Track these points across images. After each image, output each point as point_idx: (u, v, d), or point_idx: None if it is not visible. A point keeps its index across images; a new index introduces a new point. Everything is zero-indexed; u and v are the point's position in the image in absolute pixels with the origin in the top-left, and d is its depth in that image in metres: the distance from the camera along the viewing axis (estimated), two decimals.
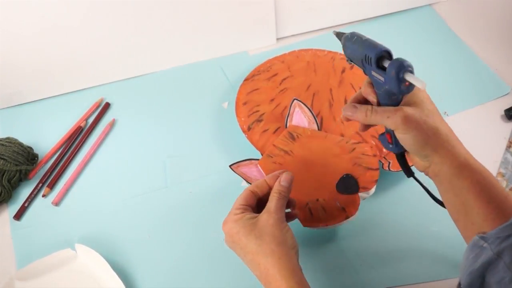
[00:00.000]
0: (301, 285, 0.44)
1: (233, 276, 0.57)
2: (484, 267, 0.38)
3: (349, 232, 0.60)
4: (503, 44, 0.82)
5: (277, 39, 0.84)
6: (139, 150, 0.70)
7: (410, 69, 0.44)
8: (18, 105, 0.75)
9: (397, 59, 0.44)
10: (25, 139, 0.68)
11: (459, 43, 0.83)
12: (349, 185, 0.58)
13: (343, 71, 0.73)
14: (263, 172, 0.61)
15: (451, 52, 0.81)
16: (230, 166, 0.62)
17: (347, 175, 0.59)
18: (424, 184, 0.50)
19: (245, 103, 0.71)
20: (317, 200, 0.58)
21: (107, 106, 0.75)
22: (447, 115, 0.72)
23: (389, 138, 0.48)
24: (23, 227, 0.62)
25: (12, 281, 0.56)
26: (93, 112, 0.74)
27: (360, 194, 0.58)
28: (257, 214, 0.49)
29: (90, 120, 0.73)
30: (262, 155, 0.65)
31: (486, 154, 0.68)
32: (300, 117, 0.64)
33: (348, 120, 0.50)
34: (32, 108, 0.75)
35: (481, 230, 0.41)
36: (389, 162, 0.62)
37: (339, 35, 0.51)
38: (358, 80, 0.72)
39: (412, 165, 0.49)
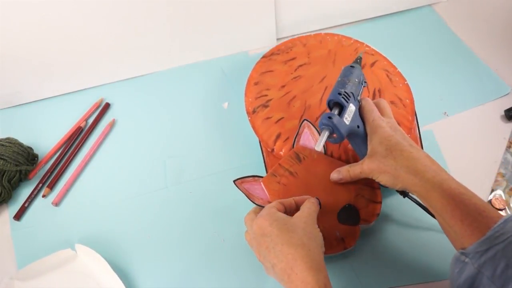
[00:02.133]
0: (327, 279, 0.45)
1: (233, 276, 0.57)
2: (470, 282, 0.41)
3: None
4: (503, 44, 0.82)
5: (277, 39, 0.84)
6: (139, 150, 0.70)
7: (323, 126, 0.52)
8: (18, 105, 0.75)
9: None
10: (25, 139, 0.68)
11: (459, 43, 0.83)
12: (351, 216, 0.57)
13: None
14: (266, 191, 0.60)
15: (451, 52, 0.81)
16: (234, 181, 0.60)
17: (349, 205, 0.57)
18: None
19: (256, 83, 0.69)
20: (317, 227, 0.56)
21: (107, 106, 0.75)
22: (447, 115, 0.72)
23: None
24: (23, 227, 0.62)
25: (12, 281, 0.56)
26: (93, 112, 0.74)
27: (360, 225, 0.57)
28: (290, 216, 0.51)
29: (90, 121, 0.73)
30: (260, 142, 0.64)
31: (486, 154, 0.69)
32: (308, 139, 0.63)
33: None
34: (32, 108, 0.75)
35: (462, 245, 0.45)
36: None
37: None
38: (374, 79, 0.69)
39: None
